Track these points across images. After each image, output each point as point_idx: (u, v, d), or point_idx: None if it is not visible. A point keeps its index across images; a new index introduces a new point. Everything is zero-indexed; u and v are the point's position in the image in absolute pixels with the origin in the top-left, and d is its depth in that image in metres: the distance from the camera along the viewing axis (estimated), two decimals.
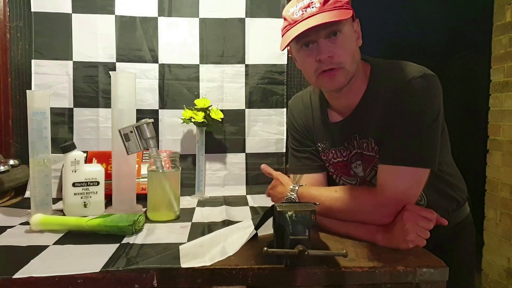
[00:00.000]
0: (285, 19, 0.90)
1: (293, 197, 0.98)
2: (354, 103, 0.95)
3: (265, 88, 1.52)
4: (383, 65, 0.94)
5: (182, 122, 1.41)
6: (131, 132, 1.05)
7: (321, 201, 0.90)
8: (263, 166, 1.15)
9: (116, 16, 1.45)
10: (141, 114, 1.39)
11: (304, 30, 0.83)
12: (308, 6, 0.85)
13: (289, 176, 1.11)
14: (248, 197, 1.41)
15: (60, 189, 1.34)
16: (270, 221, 0.82)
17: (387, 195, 0.84)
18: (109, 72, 1.20)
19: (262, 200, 1.33)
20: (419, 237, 0.79)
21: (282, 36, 0.91)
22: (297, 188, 0.99)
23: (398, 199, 0.84)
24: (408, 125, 0.85)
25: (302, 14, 0.85)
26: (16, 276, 0.69)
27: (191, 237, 0.91)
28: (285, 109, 1.52)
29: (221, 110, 1.42)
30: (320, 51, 0.86)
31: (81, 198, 1.09)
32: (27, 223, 1.00)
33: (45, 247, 0.84)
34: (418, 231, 0.80)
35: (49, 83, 1.43)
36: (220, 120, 1.40)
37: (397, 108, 0.86)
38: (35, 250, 0.81)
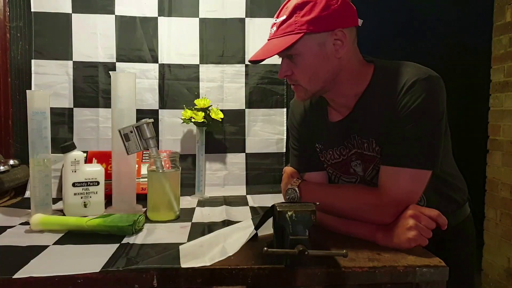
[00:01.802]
0: None
1: (294, 189, 0.99)
2: (353, 101, 0.95)
3: (265, 88, 1.52)
4: (387, 66, 0.93)
5: (182, 122, 1.41)
6: (131, 132, 1.05)
7: (323, 195, 0.91)
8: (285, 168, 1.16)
9: (116, 16, 1.45)
10: (141, 114, 1.39)
11: (251, 59, 0.91)
12: (272, 26, 0.90)
13: None
14: (248, 197, 1.41)
15: (60, 189, 1.34)
16: (270, 221, 0.82)
17: (389, 196, 0.84)
18: (109, 72, 1.20)
19: (262, 200, 1.34)
20: (421, 236, 0.79)
21: None
22: (299, 181, 0.99)
23: (399, 200, 0.84)
24: (412, 127, 0.85)
25: (270, 33, 0.90)
26: (16, 276, 0.69)
27: (191, 237, 0.91)
28: (285, 109, 1.52)
29: (221, 110, 1.42)
30: (280, 69, 0.92)
31: (81, 198, 1.09)
32: (27, 223, 1.00)
33: (45, 247, 0.84)
34: (421, 230, 0.79)
35: (49, 83, 1.43)
36: (220, 120, 1.40)
37: (401, 110, 0.86)
38: (35, 250, 0.81)
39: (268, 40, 0.90)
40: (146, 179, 1.14)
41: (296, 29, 0.85)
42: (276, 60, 1.48)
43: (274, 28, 0.89)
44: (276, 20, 0.89)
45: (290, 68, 0.90)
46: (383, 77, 0.92)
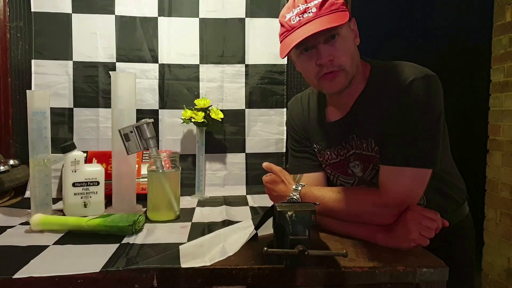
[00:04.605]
0: (282, 25, 0.91)
1: (295, 198, 0.98)
2: (351, 101, 0.95)
3: (265, 88, 1.52)
4: (384, 65, 0.94)
5: (182, 122, 1.41)
6: (131, 132, 1.05)
7: (323, 201, 0.90)
8: (265, 164, 1.09)
9: (116, 16, 1.45)
10: (141, 114, 1.39)
11: (303, 38, 0.83)
12: (305, 11, 0.86)
13: None
14: (248, 197, 1.41)
15: (60, 189, 1.34)
16: (270, 221, 0.82)
17: (390, 196, 0.84)
18: (109, 72, 1.20)
19: (262, 200, 1.33)
20: (422, 236, 0.79)
21: (281, 42, 0.91)
22: (299, 188, 0.99)
23: (400, 200, 0.84)
24: (410, 126, 0.85)
25: (300, 20, 0.86)
26: (16, 276, 0.69)
27: (191, 237, 0.91)
28: (285, 109, 1.52)
29: (221, 110, 1.42)
30: (320, 55, 0.87)
31: (81, 198, 1.09)
32: (27, 223, 1.00)
33: (45, 247, 0.84)
34: (421, 230, 0.79)
35: (49, 83, 1.43)
36: (220, 120, 1.40)
37: (399, 109, 0.86)
38: (35, 250, 0.81)
39: (308, 22, 0.84)
40: (146, 179, 1.14)
41: (340, 8, 0.85)
42: (276, 60, 1.51)
43: (314, 9, 0.84)
44: (307, 4, 0.86)
45: (331, 53, 0.86)
46: (380, 76, 0.92)
